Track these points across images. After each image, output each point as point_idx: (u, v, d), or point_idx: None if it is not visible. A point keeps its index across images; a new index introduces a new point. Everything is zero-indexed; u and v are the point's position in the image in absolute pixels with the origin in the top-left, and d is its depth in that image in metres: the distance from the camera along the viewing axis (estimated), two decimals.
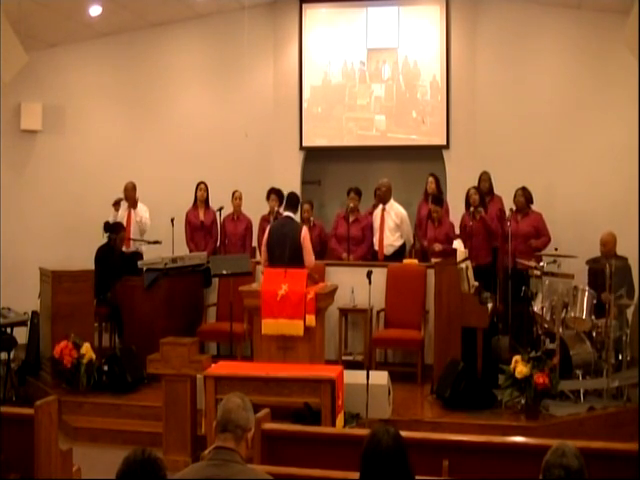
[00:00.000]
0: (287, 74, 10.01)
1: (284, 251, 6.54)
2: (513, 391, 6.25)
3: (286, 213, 6.80)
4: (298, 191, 9.78)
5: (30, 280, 8.00)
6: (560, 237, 8.36)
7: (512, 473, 3.63)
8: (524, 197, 8.19)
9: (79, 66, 9.88)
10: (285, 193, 8.71)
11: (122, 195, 8.81)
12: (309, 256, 6.56)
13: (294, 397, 5.49)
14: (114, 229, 8.42)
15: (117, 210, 8.81)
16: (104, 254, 8.33)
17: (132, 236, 8.67)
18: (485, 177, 8.57)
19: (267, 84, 10.05)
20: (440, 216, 8.15)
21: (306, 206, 8.72)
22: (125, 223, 8.69)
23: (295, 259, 6.49)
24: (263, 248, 6.79)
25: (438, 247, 8.03)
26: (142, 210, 8.85)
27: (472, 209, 8.09)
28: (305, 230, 6.70)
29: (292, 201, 6.88)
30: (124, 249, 8.60)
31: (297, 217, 6.91)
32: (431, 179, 8.72)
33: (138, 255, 8.52)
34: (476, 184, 8.44)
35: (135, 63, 10.00)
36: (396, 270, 7.91)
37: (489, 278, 7.79)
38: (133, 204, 8.80)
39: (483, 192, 8.31)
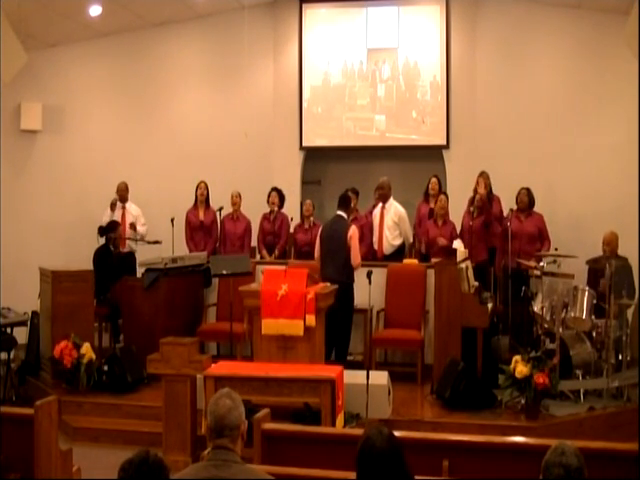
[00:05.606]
0: (287, 74, 10.01)
1: (331, 248, 7.09)
2: (513, 391, 6.25)
3: (338, 212, 7.27)
4: (298, 191, 9.85)
5: (30, 280, 7.99)
6: (560, 237, 8.34)
7: (512, 473, 3.62)
8: (528, 197, 8.17)
9: (79, 66, 9.88)
10: (285, 193, 8.81)
11: (116, 196, 8.92)
12: (356, 255, 7.04)
13: (294, 397, 5.50)
14: (110, 229, 8.44)
15: (113, 211, 8.87)
16: (101, 256, 8.34)
17: (128, 236, 8.69)
18: (485, 180, 8.48)
19: (267, 84, 10.05)
20: (446, 212, 8.20)
21: (308, 201, 8.85)
22: (120, 222, 8.73)
23: (340, 256, 6.99)
24: (316, 246, 7.36)
25: (442, 241, 8.03)
26: (135, 209, 8.98)
27: (472, 209, 8.12)
28: (353, 229, 7.16)
29: (343, 201, 7.35)
30: (120, 249, 8.61)
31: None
32: (434, 180, 8.73)
33: (133, 256, 8.52)
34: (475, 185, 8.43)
35: (135, 63, 10.00)
36: (396, 270, 7.91)
37: (485, 276, 7.78)
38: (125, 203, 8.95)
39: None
